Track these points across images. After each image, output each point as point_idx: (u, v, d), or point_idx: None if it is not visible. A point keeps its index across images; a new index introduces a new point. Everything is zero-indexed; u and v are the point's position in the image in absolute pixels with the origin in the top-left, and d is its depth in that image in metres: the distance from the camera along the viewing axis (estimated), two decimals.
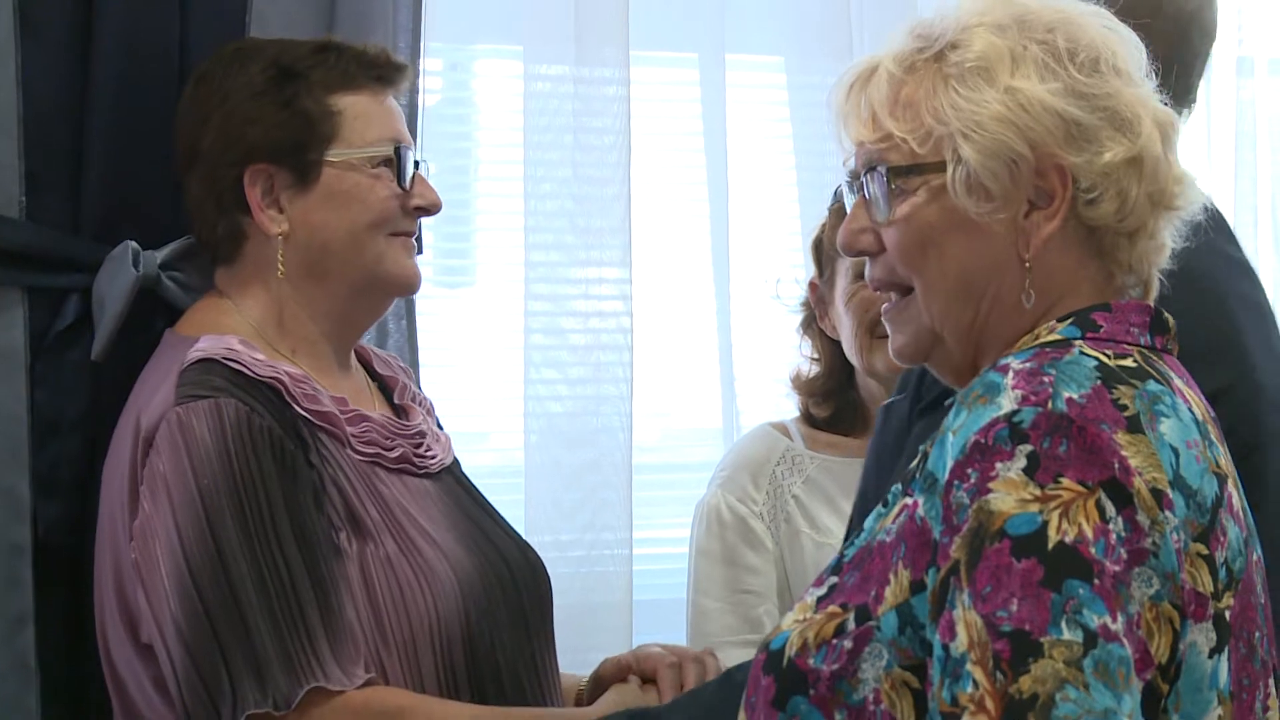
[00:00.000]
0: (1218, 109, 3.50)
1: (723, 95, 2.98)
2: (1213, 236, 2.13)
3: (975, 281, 1.87)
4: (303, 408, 2.25)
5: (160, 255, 2.48)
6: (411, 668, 2.24)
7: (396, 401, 2.46)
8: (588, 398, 2.94)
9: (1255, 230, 3.53)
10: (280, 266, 2.32)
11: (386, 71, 2.37)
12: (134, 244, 2.47)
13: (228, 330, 2.31)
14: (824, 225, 2.80)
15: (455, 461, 2.50)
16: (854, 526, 2.27)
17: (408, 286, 2.39)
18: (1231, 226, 2.69)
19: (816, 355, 2.90)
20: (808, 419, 2.94)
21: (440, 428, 2.50)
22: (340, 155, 2.32)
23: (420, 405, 2.49)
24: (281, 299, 2.34)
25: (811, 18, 3.08)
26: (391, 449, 2.33)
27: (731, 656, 2.62)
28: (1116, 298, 1.87)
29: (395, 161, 2.34)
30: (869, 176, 1.88)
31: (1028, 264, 1.84)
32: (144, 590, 2.19)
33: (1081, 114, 1.83)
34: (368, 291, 2.37)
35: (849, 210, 1.92)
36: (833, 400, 2.91)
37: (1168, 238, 1.90)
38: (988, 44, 1.84)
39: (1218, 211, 2.26)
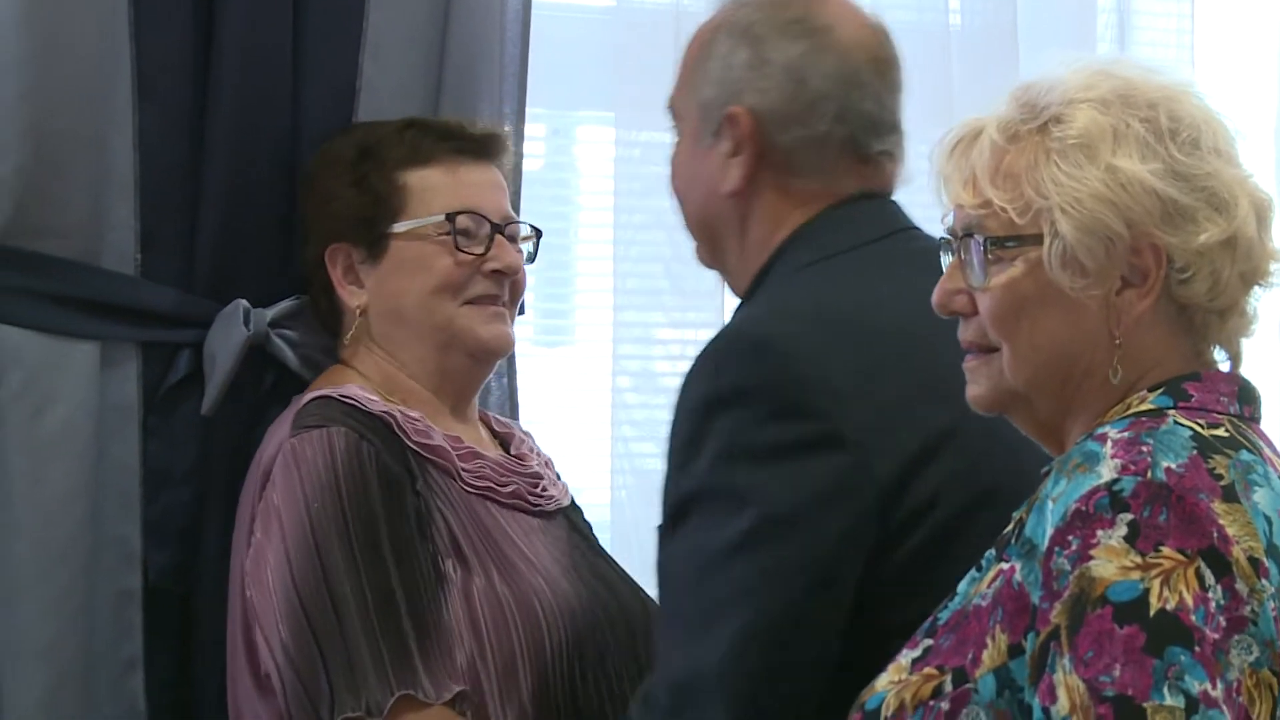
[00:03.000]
0: None
1: None
2: (916, 285, 2.10)
3: (1065, 354, 1.85)
4: (413, 441, 2.30)
5: (269, 314, 2.50)
6: (511, 691, 2.28)
7: (513, 452, 2.48)
8: None
9: None
10: (367, 339, 2.41)
11: (464, 144, 2.42)
12: (245, 302, 2.49)
13: (348, 380, 2.39)
14: None
15: (576, 508, 2.53)
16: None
17: (483, 349, 2.42)
18: None
19: None
20: None
21: (559, 478, 2.53)
22: (405, 227, 2.38)
23: (536, 455, 2.53)
24: (384, 363, 2.41)
25: None
26: (505, 485, 2.37)
27: None
28: (1205, 369, 1.84)
29: (467, 227, 2.40)
30: (966, 241, 1.85)
31: (1118, 340, 1.82)
32: (259, 616, 2.26)
33: (1180, 194, 1.80)
34: (449, 353, 2.41)
35: (944, 269, 1.90)
36: None
37: (1256, 311, 1.88)
38: (1091, 120, 1.82)
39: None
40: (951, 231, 1.88)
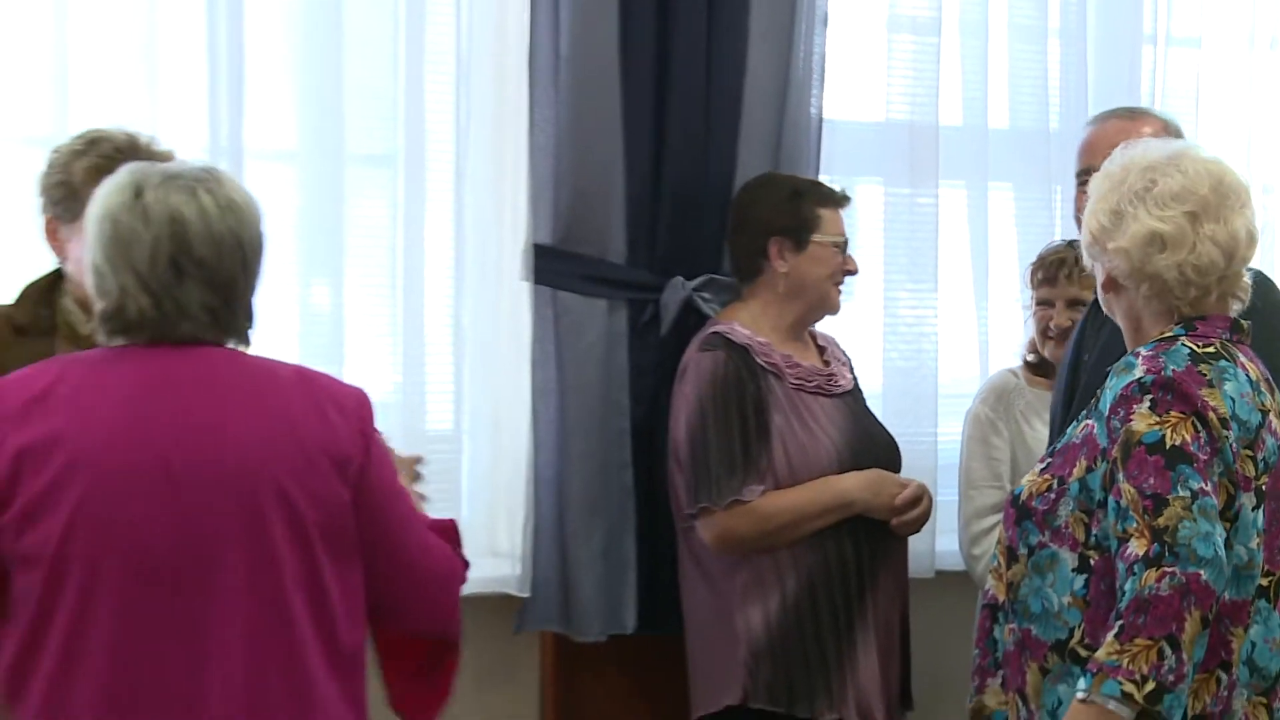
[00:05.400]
0: None
1: (985, 204, 3.17)
2: None
3: (1125, 316, 2.09)
4: (759, 358, 2.72)
5: (693, 284, 2.87)
6: None
7: (824, 358, 2.84)
8: (912, 360, 3.11)
9: None
10: (780, 289, 2.73)
11: (838, 197, 2.79)
12: (681, 277, 2.88)
13: (735, 319, 2.77)
14: (1034, 265, 3.01)
15: (858, 389, 2.85)
16: (1053, 431, 2.43)
17: (833, 310, 2.85)
18: None
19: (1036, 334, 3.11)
20: (1028, 367, 3.01)
21: (852, 374, 2.87)
22: (821, 239, 2.76)
23: (837, 359, 2.87)
24: (776, 304, 2.74)
25: (1024, 156, 3.22)
26: (811, 381, 2.77)
27: (986, 494, 2.88)
28: (1207, 313, 1.98)
29: (842, 246, 2.77)
30: None
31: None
32: (685, 441, 2.66)
33: (1108, 223, 1.97)
34: (815, 308, 2.81)
35: None
36: (1039, 359, 3.03)
37: (1188, 288, 1.95)
38: (1095, 186, 2.04)
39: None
40: None
